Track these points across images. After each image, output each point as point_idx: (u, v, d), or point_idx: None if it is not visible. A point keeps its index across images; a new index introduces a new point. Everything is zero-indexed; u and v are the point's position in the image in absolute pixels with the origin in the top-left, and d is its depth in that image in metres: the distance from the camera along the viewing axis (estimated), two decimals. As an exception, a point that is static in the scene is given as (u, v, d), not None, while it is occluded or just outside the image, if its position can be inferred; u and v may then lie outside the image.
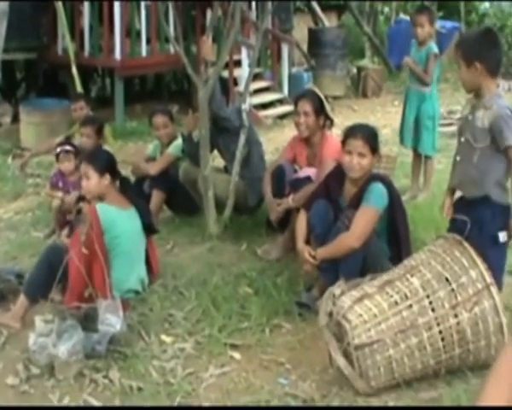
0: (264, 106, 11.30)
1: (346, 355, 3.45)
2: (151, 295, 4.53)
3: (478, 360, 3.50)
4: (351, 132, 4.25)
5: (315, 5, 14.58)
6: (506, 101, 3.79)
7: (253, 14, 11.84)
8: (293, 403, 3.49)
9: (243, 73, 10.59)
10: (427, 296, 3.45)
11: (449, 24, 14.58)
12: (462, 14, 15.88)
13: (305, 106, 5.06)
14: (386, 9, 17.94)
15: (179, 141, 5.92)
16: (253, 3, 11.95)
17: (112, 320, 3.87)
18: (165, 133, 6.05)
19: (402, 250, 4.11)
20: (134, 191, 4.66)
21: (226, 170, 5.94)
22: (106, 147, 5.95)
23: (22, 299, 4.28)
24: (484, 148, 3.70)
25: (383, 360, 3.39)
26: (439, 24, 12.37)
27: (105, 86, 13.60)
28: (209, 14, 10.72)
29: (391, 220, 4.21)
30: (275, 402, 3.49)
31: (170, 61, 10.45)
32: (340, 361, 3.42)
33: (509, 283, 4.30)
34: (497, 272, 3.65)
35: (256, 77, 10.86)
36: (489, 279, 3.43)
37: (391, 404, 3.42)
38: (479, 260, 3.48)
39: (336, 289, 3.65)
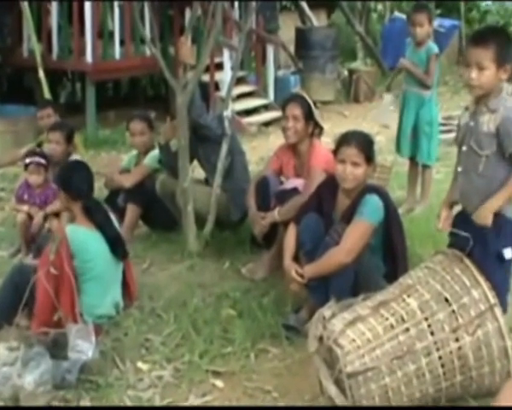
0: (248, 112, 11.32)
1: (338, 383, 3.44)
2: (126, 319, 4.52)
3: (481, 387, 3.49)
4: (344, 140, 4.27)
5: (303, 3, 14.65)
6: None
7: (235, 13, 11.88)
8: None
9: (225, 76, 10.61)
10: (426, 319, 3.44)
11: (447, 22, 14.72)
12: (463, 11, 16.00)
13: (295, 110, 5.09)
14: (380, 7, 18.05)
15: (156, 151, 5.93)
16: (236, 2, 12.00)
17: (83, 347, 3.86)
18: (140, 141, 6.07)
19: (398, 267, 4.13)
20: (99, 211, 4.58)
21: (207, 182, 5.95)
22: (76, 156, 5.95)
23: (-16, 324, 4.26)
24: (490, 155, 3.67)
25: (378, 389, 3.37)
26: (436, 22, 12.49)
27: (75, 92, 13.56)
28: (188, 13, 10.74)
29: (387, 235, 4.23)
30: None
31: (146, 65, 10.45)
32: (332, 390, 3.40)
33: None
34: (501, 291, 3.64)
35: (239, 81, 10.88)
36: (493, 300, 3.42)
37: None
38: (481, 279, 3.47)
39: (326, 310, 3.65)
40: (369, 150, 4.25)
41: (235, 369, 4.02)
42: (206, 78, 10.18)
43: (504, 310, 3.62)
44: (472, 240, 3.70)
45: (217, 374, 3.98)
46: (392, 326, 3.45)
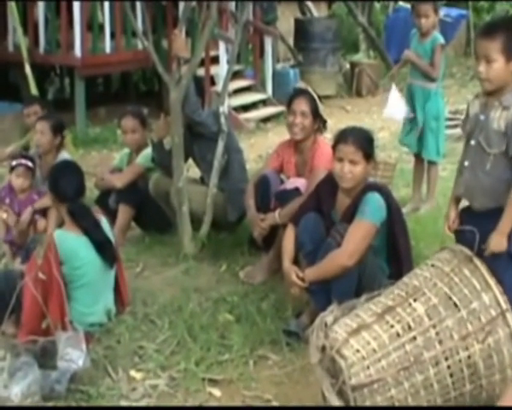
0: (246, 108, 11.34)
1: (341, 393, 3.42)
2: (118, 326, 4.52)
3: (492, 396, 3.46)
4: (341, 137, 4.28)
5: (302, -7, 14.68)
6: None
7: (231, 4, 11.89)
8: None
9: (221, 70, 10.63)
10: (434, 326, 3.40)
11: (454, 12, 14.71)
12: (470, 0, 16.01)
13: (303, 105, 5.09)
14: (383, -4, 18.08)
15: (149, 149, 5.93)
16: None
17: (73, 355, 3.85)
18: (132, 139, 6.07)
19: (403, 269, 4.12)
20: (85, 215, 4.54)
21: (203, 181, 5.96)
22: (66, 154, 5.94)
23: (-32, 333, 4.27)
24: (498, 154, 3.66)
25: (384, 401, 3.34)
26: (443, 12, 12.49)
27: (64, 87, 13.57)
28: (182, 4, 10.74)
29: (390, 235, 4.23)
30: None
31: (137, 59, 10.48)
32: (335, 403, 3.38)
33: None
34: None
35: (236, 75, 10.88)
36: (504, 305, 3.38)
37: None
38: (492, 282, 3.43)
39: (328, 316, 3.63)
40: (367, 147, 4.25)
41: (232, 377, 4.02)
42: (201, 72, 10.21)
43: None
44: (478, 235, 3.66)
45: (214, 382, 3.98)
46: (398, 335, 3.41)
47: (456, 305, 3.43)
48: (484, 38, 3.63)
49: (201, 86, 6.08)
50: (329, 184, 4.39)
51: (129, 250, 5.71)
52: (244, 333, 4.39)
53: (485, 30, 3.69)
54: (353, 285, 4.07)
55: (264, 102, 11.68)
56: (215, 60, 10.99)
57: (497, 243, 3.66)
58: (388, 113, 6.59)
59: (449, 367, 3.36)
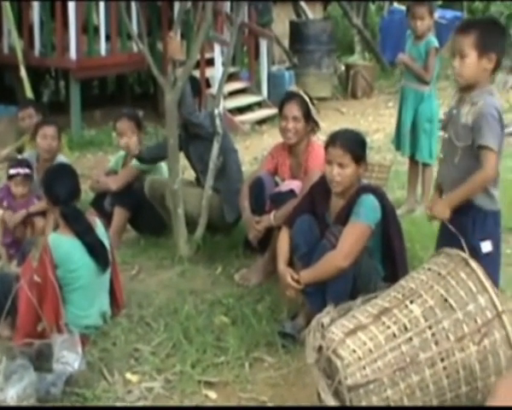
0: (241, 110, 11.35)
1: (337, 394, 3.43)
2: (114, 328, 4.52)
3: (487, 398, 3.49)
4: (330, 140, 4.31)
5: (297, -5, 14.69)
6: (497, 99, 3.81)
7: (226, 6, 11.90)
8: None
9: (216, 73, 10.63)
10: (430, 327, 3.41)
11: (449, 13, 14.74)
12: (465, 2, 16.05)
13: (294, 110, 5.10)
14: (378, -2, 18.11)
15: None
16: (227, -6, 12.02)
17: (69, 358, 3.85)
18: (128, 142, 6.06)
19: (397, 270, 4.14)
20: (78, 219, 4.52)
21: (198, 183, 5.96)
22: (62, 157, 5.94)
23: (-37, 336, 4.26)
24: (465, 147, 3.75)
25: (380, 401, 3.35)
26: (438, 14, 12.52)
27: (59, 90, 13.58)
28: (177, 6, 10.75)
29: (385, 237, 4.24)
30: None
31: (133, 61, 10.48)
32: (331, 403, 3.39)
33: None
34: None
35: (231, 77, 10.91)
36: (500, 307, 3.39)
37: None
38: (488, 284, 3.44)
39: (324, 317, 3.64)
40: (356, 150, 4.26)
41: (228, 379, 4.02)
42: (196, 74, 10.19)
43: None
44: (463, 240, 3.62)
45: (210, 385, 3.98)
46: (394, 335, 3.42)
47: (452, 307, 3.43)
48: (459, 34, 3.74)
49: (197, 88, 6.07)
50: (323, 187, 4.40)
51: (124, 253, 5.71)
52: (240, 335, 4.40)
53: (461, 26, 3.80)
54: (348, 287, 4.07)
55: (259, 105, 11.69)
56: (210, 62, 10.99)
57: (441, 210, 3.76)
58: None
59: (445, 369, 3.37)
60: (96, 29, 10.37)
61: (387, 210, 4.23)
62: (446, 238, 3.80)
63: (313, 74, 12.65)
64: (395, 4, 16.44)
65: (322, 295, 4.12)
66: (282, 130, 5.16)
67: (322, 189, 4.41)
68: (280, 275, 4.35)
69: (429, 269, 3.64)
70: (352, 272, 4.06)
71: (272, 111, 11.10)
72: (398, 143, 6.67)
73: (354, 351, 3.38)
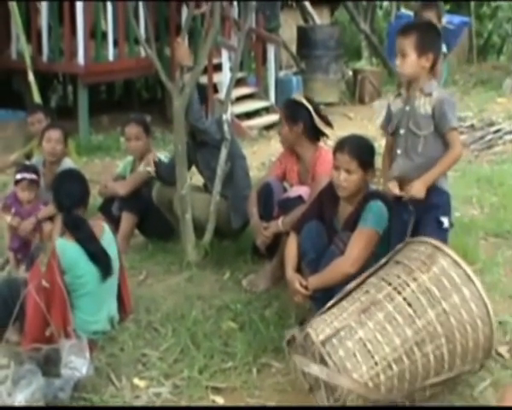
0: (249, 115, 11.35)
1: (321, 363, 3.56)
2: (122, 333, 4.53)
3: (460, 320, 3.56)
4: (338, 146, 4.36)
5: (305, 0, 14.68)
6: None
7: (234, 12, 11.91)
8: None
9: (224, 78, 10.64)
10: (383, 279, 3.69)
11: (456, 19, 14.64)
12: (473, 7, 16.03)
13: (280, 114, 5.24)
14: (386, 4, 18.10)
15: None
16: (235, 0, 12.03)
17: (77, 363, 3.86)
18: (136, 146, 6.07)
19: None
20: (79, 227, 4.49)
21: (206, 188, 5.96)
22: (69, 161, 5.96)
23: (-28, 341, 4.27)
24: (428, 135, 4.05)
25: (356, 344, 3.50)
26: (445, 19, 12.50)
27: (67, 95, 13.62)
28: (184, 11, 10.77)
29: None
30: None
31: (140, 66, 10.49)
32: (314, 369, 3.53)
33: None
34: None
35: (239, 83, 10.92)
36: (436, 243, 3.73)
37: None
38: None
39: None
40: (364, 156, 4.30)
41: (236, 385, 4.02)
42: (204, 80, 10.22)
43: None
44: (415, 213, 3.99)
45: (217, 390, 3.98)
46: (355, 299, 3.69)
47: (398, 262, 3.75)
48: (400, 36, 4.09)
49: (204, 94, 6.09)
50: (332, 192, 4.41)
51: (132, 258, 5.72)
52: (247, 341, 4.40)
53: (402, 29, 4.13)
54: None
55: (266, 110, 11.69)
56: (218, 67, 11.00)
57: (418, 189, 3.99)
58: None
59: (405, 299, 3.58)
60: (104, 34, 10.37)
61: (395, 216, 4.23)
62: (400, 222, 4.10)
63: (321, 80, 12.65)
64: (402, 10, 16.42)
65: (329, 300, 4.12)
66: (279, 134, 5.33)
67: (330, 195, 4.42)
68: (288, 281, 4.36)
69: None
70: (359, 278, 4.07)
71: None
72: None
73: (323, 319, 3.66)
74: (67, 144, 6.10)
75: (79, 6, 9.85)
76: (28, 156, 6.56)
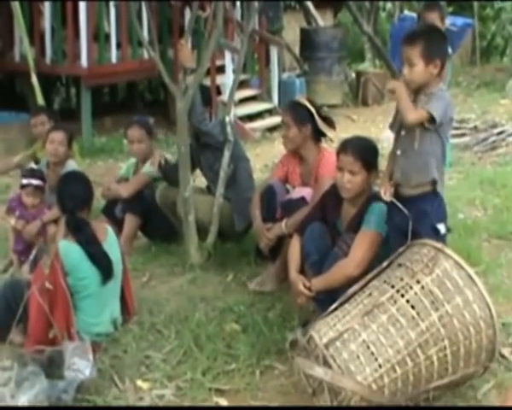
0: (252, 117, 11.36)
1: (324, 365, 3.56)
2: (125, 335, 4.53)
3: (463, 323, 3.56)
4: (342, 147, 4.36)
5: (308, 2, 14.69)
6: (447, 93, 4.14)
7: (237, 14, 11.92)
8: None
9: (227, 80, 10.66)
10: (385, 281, 3.68)
11: (460, 20, 14.66)
12: (476, 8, 16.02)
13: (285, 116, 5.21)
14: (389, 5, 18.09)
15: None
16: (238, 1, 12.04)
17: (80, 365, 3.86)
18: (139, 149, 6.08)
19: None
20: (80, 230, 4.48)
21: (209, 190, 5.97)
22: (73, 163, 5.96)
23: (-24, 342, 4.27)
24: (422, 130, 3.98)
25: (359, 346, 3.50)
26: (448, 21, 12.51)
27: (70, 97, 13.64)
28: (188, 13, 10.78)
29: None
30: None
31: (143, 69, 10.51)
32: (318, 371, 3.52)
33: None
34: None
35: (242, 85, 10.91)
36: (439, 245, 3.70)
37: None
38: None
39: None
40: (368, 157, 4.30)
41: (239, 387, 4.02)
42: (207, 81, 10.22)
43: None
44: (411, 218, 3.93)
45: (220, 392, 3.98)
46: (358, 301, 3.68)
47: (400, 265, 3.74)
48: (406, 45, 4.01)
49: (208, 96, 6.09)
50: (335, 194, 4.41)
51: (135, 260, 5.72)
52: (251, 343, 4.40)
53: (407, 37, 4.04)
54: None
55: (270, 112, 11.70)
56: (221, 69, 11.02)
57: (392, 85, 4.06)
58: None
59: (408, 301, 3.57)
60: (107, 36, 10.39)
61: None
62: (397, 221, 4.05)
63: (324, 81, 12.65)
64: (406, 11, 16.42)
65: (333, 302, 4.11)
66: (282, 137, 5.30)
67: (333, 196, 4.42)
68: (291, 282, 4.37)
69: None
70: (363, 280, 4.07)
71: (283, 118, 11.10)
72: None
73: (326, 322, 3.66)
74: (72, 147, 6.11)
75: (82, 8, 9.88)
76: (36, 160, 6.54)
